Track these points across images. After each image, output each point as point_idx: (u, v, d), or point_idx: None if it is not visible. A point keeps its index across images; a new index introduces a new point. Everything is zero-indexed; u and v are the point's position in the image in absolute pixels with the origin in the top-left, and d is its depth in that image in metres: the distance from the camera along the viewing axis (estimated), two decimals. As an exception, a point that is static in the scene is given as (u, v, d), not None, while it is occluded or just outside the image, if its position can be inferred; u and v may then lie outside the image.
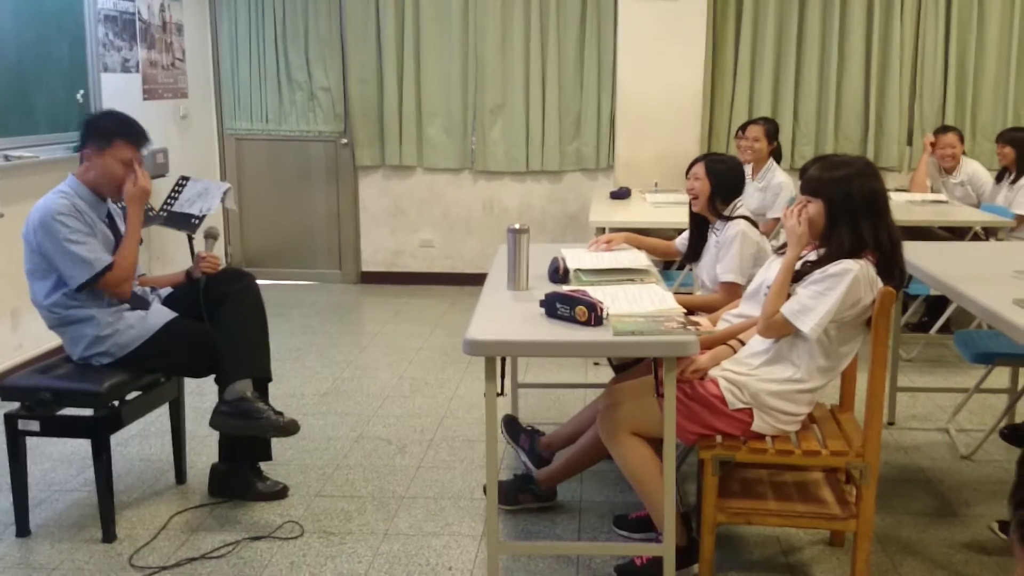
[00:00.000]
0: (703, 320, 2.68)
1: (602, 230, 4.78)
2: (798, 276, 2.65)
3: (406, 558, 2.96)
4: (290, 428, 3.12)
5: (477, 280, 6.60)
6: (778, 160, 5.44)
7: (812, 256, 2.69)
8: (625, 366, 3.43)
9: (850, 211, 2.59)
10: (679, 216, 3.92)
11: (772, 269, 2.81)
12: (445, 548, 3.02)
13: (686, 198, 3.60)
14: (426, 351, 5.32)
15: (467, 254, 7.05)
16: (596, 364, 4.88)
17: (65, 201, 3.03)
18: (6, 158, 4.42)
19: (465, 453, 3.81)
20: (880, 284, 2.59)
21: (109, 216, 3.20)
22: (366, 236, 7.13)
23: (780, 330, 2.61)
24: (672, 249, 3.85)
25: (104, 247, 3.09)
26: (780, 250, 2.81)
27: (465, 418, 4.22)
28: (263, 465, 3.43)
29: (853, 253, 2.59)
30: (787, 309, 2.58)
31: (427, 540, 3.07)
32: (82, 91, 5.14)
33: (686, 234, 3.71)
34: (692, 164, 3.53)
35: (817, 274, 2.58)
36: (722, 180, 3.45)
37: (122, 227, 3.24)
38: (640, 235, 3.87)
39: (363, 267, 7.17)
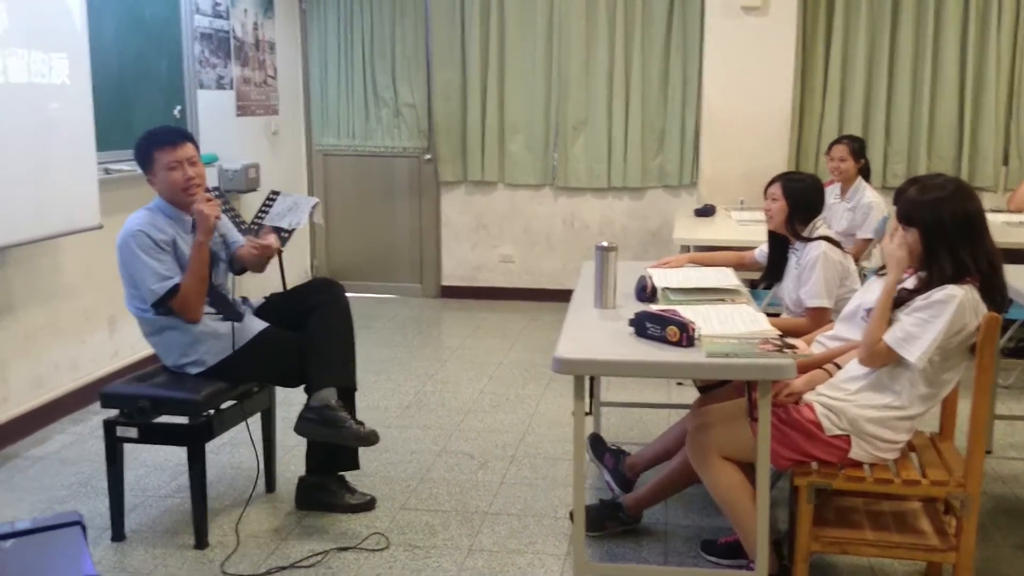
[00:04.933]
0: (799, 343, 2.62)
1: (687, 248, 4.74)
2: (896, 303, 2.58)
3: (491, 575, 2.96)
4: (371, 438, 3.15)
5: (557, 296, 6.71)
6: (867, 178, 5.30)
7: (909, 283, 2.62)
8: (711, 386, 3.38)
9: (945, 236, 2.52)
10: (765, 235, 3.86)
11: (870, 292, 2.74)
12: (529, 566, 3.01)
13: None
14: (506, 366, 5.33)
15: (547, 270, 7.05)
16: (679, 384, 4.83)
17: (145, 218, 3.14)
18: (107, 171, 4.58)
19: (547, 471, 3.80)
20: (984, 309, 2.51)
21: (195, 226, 3.27)
22: (447, 251, 7.18)
23: (884, 359, 2.54)
24: (747, 260, 3.78)
25: (181, 261, 3.16)
26: (881, 271, 2.74)
27: (547, 435, 4.21)
28: (349, 475, 3.48)
29: (956, 278, 2.51)
30: (891, 338, 2.51)
31: (511, 558, 3.07)
32: (179, 107, 5.30)
33: (765, 246, 3.65)
34: (769, 184, 3.48)
35: (920, 300, 2.50)
36: (799, 200, 3.39)
37: None
38: (708, 253, 3.83)
39: (443, 281, 7.22)
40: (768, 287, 4.00)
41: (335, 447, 3.30)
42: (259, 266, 3.39)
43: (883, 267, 2.73)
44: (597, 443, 3.52)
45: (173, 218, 3.20)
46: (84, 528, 1.64)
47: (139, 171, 4.90)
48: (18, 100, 3.85)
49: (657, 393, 4.76)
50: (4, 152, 3.78)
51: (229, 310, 3.27)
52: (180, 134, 3.27)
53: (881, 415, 2.57)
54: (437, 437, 4.18)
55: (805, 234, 3.39)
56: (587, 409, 2.56)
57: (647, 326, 2.64)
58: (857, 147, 5.24)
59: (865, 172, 5.28)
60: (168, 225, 3.17)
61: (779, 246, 3.53)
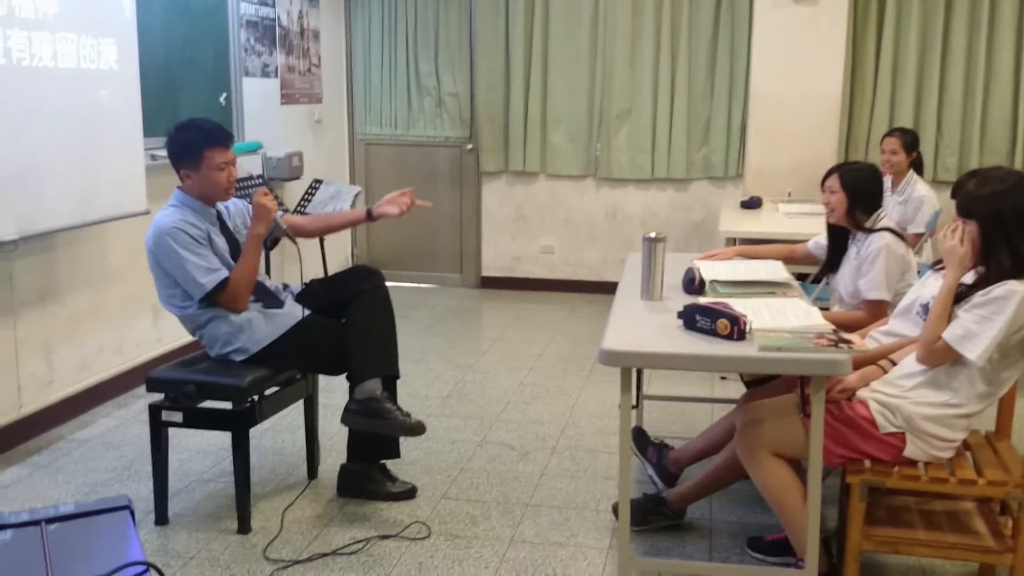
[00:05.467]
0: (855, 338, 2.55)
1: (733, 241, 4.67)
2: (955, 299, 2.51)
3: (532, 567, 2.93)
4: (417, 429, 3.14)
5: (597, 288, 6.66)
6: (919, 171, 5.19)
7: (968, 278, 2.54)
8: (758, 381, 3.31)
9: (1004, 229, 2.46)
10: (814, 227, 3.78)
11: (928, 287, 2.67)
12: (572, 559, 2.98)
13: (821, 208, 3.46)
14: (546, 358, 5.30)
15: (588, 261, 7.00)
16: (723, 378, 4.76)
17: (177, 215, 3.12)
18: (152, 157, 4.60)
19: (588, 463, 3.76)
20: (1046, 306, 2.43)
21: (220, 220, 3.27)
22: (487, 241, 7.16)
23: (942, 357, 2.47)
24: (798, 252, 3.68)
25: (218, 254, 3.17)
26: (937, 266, 2.67)
27: (587, 427, 4.18)
28: (390, 464, 3.47)
29: (1014, 273, 2.44)
30: (950, 335, 2.44)
31: (553, 550, 3.04)
32: (225, 94, 5.33)
33: (820, 238, 3.56)
34: (826, 176, 3.39)
35: (979, 297, 2.43)
36: (859, 190, 3.29)
37: (229, 224, 3.31)
38: (757, 246, 3.75)
39: (483, 272, 7.19)
40: (816, 280, 3.92)
41: (377, 435, 3.29)
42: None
43: (939, 261, 2.66)
44: (640, 437, 3.48)
45: (200, 213, 3.19)
46: (133, 512, 1.63)
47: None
48: (67, 85, 3.88)
49: (700, 387, 4.70)
50: (53, 137, 3.81)
51: (269, 297, 3.27)
52: (228, 134, 3.26)
53: (938, 413, 2.50)
54: (477, 427, 4.16)
55: (868, 225, 3.29)
56: (634, 402, 2.51)
57: (697, 319, 2.59)
58: (909, 140, 5.13)
59: (917, 166, 5.17)
60: (198, 220, 3.16)
61: (839, 237, 3.43)
